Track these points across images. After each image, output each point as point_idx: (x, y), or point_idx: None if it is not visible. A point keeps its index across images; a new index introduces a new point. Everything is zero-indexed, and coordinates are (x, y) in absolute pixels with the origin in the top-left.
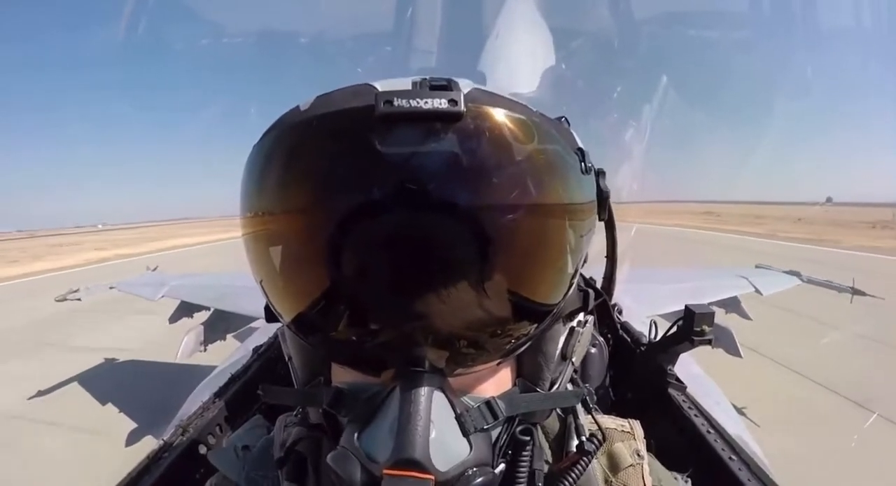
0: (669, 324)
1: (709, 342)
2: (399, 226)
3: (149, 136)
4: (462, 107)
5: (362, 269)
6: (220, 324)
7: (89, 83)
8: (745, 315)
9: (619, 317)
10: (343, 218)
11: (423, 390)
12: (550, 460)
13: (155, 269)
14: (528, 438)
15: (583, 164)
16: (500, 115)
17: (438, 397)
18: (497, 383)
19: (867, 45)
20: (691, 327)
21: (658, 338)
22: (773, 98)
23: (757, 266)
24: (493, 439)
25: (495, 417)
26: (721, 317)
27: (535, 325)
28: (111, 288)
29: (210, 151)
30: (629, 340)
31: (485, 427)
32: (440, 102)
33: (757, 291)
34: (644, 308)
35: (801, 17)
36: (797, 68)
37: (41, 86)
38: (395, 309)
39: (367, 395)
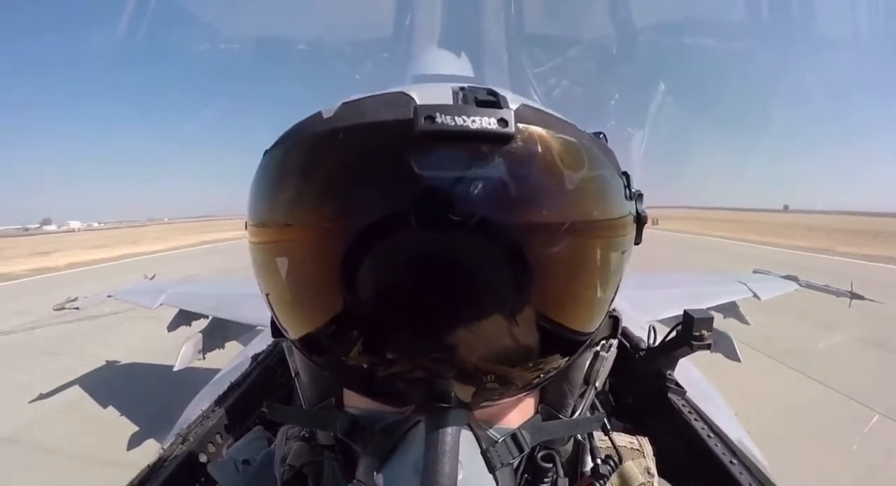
0: (668, 329)
1: (708, 347)
2: (437, 256)
3: (147, 136)
4: (512, 128)
5: (393, 297)
6: (219, 332)
7: (89, 84)
8: (743, 320)
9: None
10: (372, 239)
11: (451, 429)
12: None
13: (153, 277)
14: (549, 465)
15: (627, 189)
16: (551, 138)
17: (466, 434)
18: (521, 412)
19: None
20: (690, 332)
21: (657, 343)
22: (756, 108)
23: (755, 271)
24: (514, 467)
25: (521, 449)
26: (720, 322)
27: (570, 355)
28: (108, 296)
29: (213, 152)
30: (628, 345)
31: (510, 461)
32: (489, 122)
33: (755, 296)
34: (643, 314)
35: (797, 26)
36: (780, 79)
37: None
38: (424, 342)
39: (383, 424)
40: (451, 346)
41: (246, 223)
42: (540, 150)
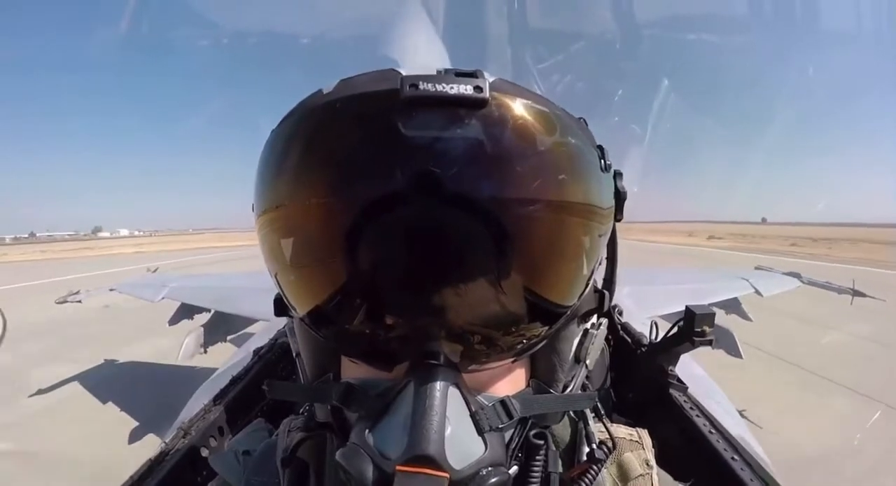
0: (670, 325)
1: (709, 343)
2: (420, 212)
3: (150, 140)
4: (487, 94)
5: (383, 258)
6: (221, 326)
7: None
8: (745, 316)
9: (620, 318)
10: (365, 203)
11: (439, 385)
12: (562, 468)
13: (155, 270)
14: (541, 441)
15: (602, 161)
16: (524, 105)
17: (454, 393)
18: (511, 382)
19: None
20: (692, 328)
21: (659, 339)
22: (742, 119)
23: (757, 268)
24: (506, 440)
25: (510, 416)
26: (722, 318)
27: (551, 324)
28: (111, 290)
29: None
30: (630, 341)
31: (500, 426)
32: (465, 88)
33: (757, 292)
34: (644, 309)
35: (800, 22)
36: (777, 86)
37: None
38: (412, 301)
39: (378, 390)
40: (436, 302)
41: (252, 207)
42: (512, 114)
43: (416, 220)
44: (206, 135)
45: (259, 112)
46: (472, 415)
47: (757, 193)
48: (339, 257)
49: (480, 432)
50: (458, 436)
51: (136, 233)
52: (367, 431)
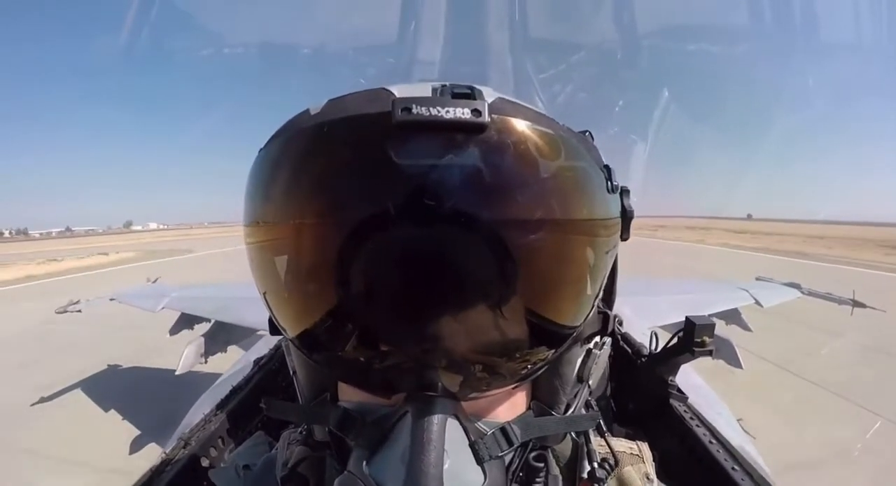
0: (670, 335)
1: (709, 354)
2: (414, 243)
3: (151, 143)
4: (486, 118)
5: (374, 286)
6: (221, 336)
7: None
8: (745, 327)
9: (620, 328)
10: (353, 232)
11: (437, 418)
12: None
13: (155, 280)
14: (541, 464)
15: (609, 182)
16: (526, 128)
17: (452, 424)
18: (511, 406)
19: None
20: (692, 339)
21: (659, 349)
22: (741, 120)
23: (757, 279)
24: (506, 463)
25: (510, 443)
26: (722, 329)
27: (555, 349)
28: (111, 300)
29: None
30: (630, 351)
31: (499, 455)
32: (463, 112)
33: (757, 303)
34: (644, 320)
35: (800, 32)
36: (773, 90)
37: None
38: (408, 331)
39: (375, 417)
40: (436, 335)
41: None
42: (514, 139)
43: (408, 250)
44: (220, 134)
45: (265, 114)
46: (472, 445)
47: (744, 192)
48: (329, 287)
49: (480, 462)
50: (456, 468)
51: (162, 227)
52: (364, 461)
